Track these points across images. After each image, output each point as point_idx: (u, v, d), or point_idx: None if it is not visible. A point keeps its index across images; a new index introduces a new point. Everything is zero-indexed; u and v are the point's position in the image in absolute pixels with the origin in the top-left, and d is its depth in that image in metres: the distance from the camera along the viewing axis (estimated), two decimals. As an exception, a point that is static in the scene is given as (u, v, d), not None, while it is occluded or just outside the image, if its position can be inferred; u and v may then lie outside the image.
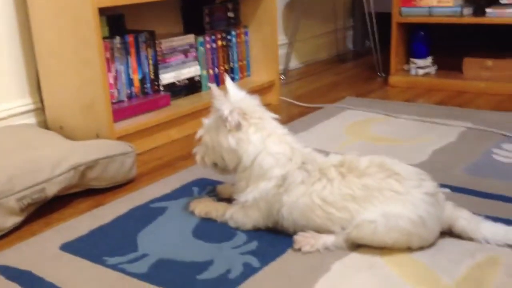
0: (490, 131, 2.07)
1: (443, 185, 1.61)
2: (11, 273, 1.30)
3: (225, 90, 1.44)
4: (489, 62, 2.72)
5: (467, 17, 2.66)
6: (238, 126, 1.37)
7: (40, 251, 1.39)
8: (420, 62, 2.86)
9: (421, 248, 1.29)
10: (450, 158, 1.85)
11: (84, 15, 1.83)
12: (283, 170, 1.36)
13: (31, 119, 2.14)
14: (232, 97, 1.42)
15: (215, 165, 1.47)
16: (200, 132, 1.46)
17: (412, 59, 2.89)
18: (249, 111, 1.40)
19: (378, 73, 3.07)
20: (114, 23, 2.10)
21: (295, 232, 1.36)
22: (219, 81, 2.50)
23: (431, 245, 1.31)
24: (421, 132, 2.12)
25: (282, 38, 3.27)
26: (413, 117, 2.28)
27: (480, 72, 2.74)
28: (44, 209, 1.61)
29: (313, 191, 1.32)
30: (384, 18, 2.96)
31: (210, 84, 1.44)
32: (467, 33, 3.11)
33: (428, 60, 2.87)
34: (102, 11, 1.95)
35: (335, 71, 3.29)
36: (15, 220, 1.49)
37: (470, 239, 1.31)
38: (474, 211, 1.38)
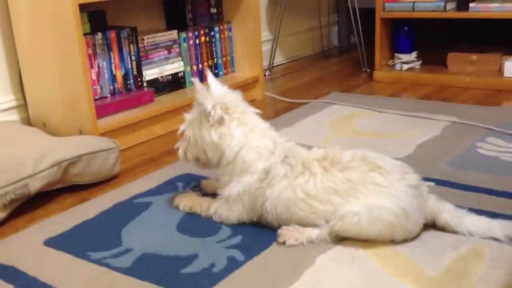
0: (474, 125, 2.08)
1: (427, 179, 1.61)
2: (-6, 269, 1.29)
3: (207, 85, 1.43)
4: (473, 57, 2.74)
5: (451, 11, 2.68)
6: (221, 121, 1.37)
7: (24, 247, 1.38)
8: (405, 57, 2.88)
9: (404, 240, 1.30)
10: (435, 151, 1.86)
11: (65, 11, 1.82)
12: (266, 164, 1.36)
13: (14, 116, 2.12)
14: (215, 92, 1.41)
15: (197, 159, 1.46)
16: (182, 127, 1.46)
17: (396, 54, 2.90)
18: (231, 105, 1.40)
19: (363, 69, 3.08)
20: (95, 19, 2.09)
21: (279, 226, 1.36)
22: (202, 77, 2.49)
23: (414, 237, 1.31)
24: (406, 126, 2.13)
25: (266, 34, 3.27)
26: (397, 112, 2.29)
27: (465, 67, 2.76)
28: (28, 205, 1.60)
29: (296, 185, 1.32)
30: (369, 14, 2.97)
31: (192, 79, 1.43)
32: (451, 28, 3.13)
33: (413, 55, 2.89)
34: (83, 8, 1.93)
35: (320, 67, 3.30)
36: (-2, 216, 1.48)
37: (454, 232, 1.32)
38: (458, 204, 1.39)
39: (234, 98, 1.43)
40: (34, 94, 2.06)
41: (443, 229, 1.33)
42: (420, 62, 2.90)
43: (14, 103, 2.12)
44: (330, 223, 1.29)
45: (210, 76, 1.47)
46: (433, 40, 3.18)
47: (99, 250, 1.35)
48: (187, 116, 1.45)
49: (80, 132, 1.94)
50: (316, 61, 3.46)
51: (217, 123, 1.37)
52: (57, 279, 1.24)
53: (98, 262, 1.29)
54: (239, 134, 1.38)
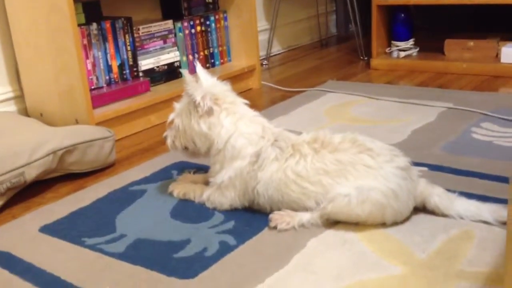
0: (470, 110, 2.09)
1: (420, 164, 1.63)
2: (-11, 255, 1.31)
3: (197, 76, 1.45)
4: (471, 43, 2.74)
5: (447, -3, 2.67)
6: (210, 111, 1.39)
7: (20, 234, 1.41)
8: (402, 44, 2.88)
9: (395, 223, 1.31)
10: (429, 137, 1.87)
11: (59, 2, 1.83)
12: (256, 147, 1.38)
13: (11, 107, 2.14)
14: (204, 83, 1.43)
15: (185, 148, 1.48)
16: (171, 116, 1.47)
17: (393, 42, 2.90)
18: (220, 96, 1.42)
19: (361, 57, 3.08)
20: (90, 10, 2.10)
21: (271, 211, 1.37)
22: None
23: (405, 221, 1.33)
24: (401, 113, 2.14)
25: (263, 24, 3.28)
26: (393, 99, 2.29)
27: (462, 53, 2.75)
28: (25, 194, 1.62)
29: (287, 167, 1.34)
30: (367, 2, 2.96)
31: (182, 70, 1.45)
32: (448, 15, 3.13)
33: (410, 43, 2.89)
34: (78, -2, 1.94)
35: (317, 56, 3.30)
36: (-6, 205, 1.50)
37: (444, 215, 1.33)
38: (450, 188, 1.40)
39: (223, 89, 1.45)
40: (30, 85, 2.07)
41: (433, 212, 1.35)
42: (417, 49, 2.90)
43: (11, 94, 2.14)
44: (321, 205, 1.30)
45: (199, 67, 1.48)
46: (430, 27, 3.18)
47: (94, 236, 1.37)
48: (176, 105, 1.47)
49: (77, 122, 1.95)
50: (313, 50, 3.46)
51: (206, 114, 1.39)
52: (52, 264, 1.25)
53: (92, 247, 1.31)
54: (228, 123, 1.40)
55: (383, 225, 1.31)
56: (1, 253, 1.31)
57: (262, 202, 1.39)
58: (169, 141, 1.49)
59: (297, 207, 1.35)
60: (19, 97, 2.15)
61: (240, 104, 1.45)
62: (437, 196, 1.33)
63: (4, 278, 1.21)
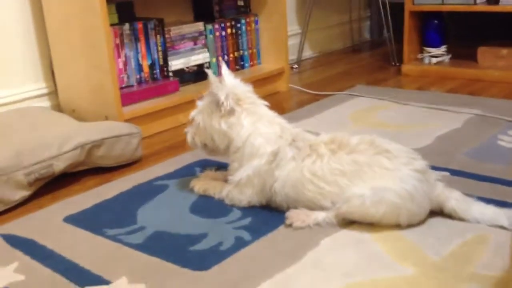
0: (497, 117, 2.06)
1: (443, 169, 1.63)
2: (15, 241, 1.37)
3: (222, 77, 1.49)
4: (504, 51, 2.70)
5: (481, 5, 2.65)
6: (231, 111, 1.43)
7: (45, 223, 1.46)
8: (434, 51, 2.86)
9: (410, 225, 1.31)
10: (453, 143, 1.86)
11: (92, 2, 1.89)
12: (274, 146, 1.41)
13: (45, 103, 2.22)
14: (227, 83, 1.47)
15: (205, 145, 1.52)
16: (193, 113, 1.51)
17: (425, 48, 2.89)
18: (242, 97, 1.46)
19: (392, 63, 3.08)
20: (124, 10, 2.17)
21: (288, 209, 1.39)
22: (229, 68, 2.54)
23: (421, 223, 1.33)
24: (427, 118, 2.13)
25: (296, 28, 3.30)
26: (421, 105, 2.28)
27: (495, 61, 2.72)
28: (53, 185, 1.68)
29: (304, 166, 1.36)
30: (401, 8, 2.95)
31: (206, 70, 1.49)
32: (482, 22, 3.09)
33: (442, 49, 2.87)
34: (112, -1, 2.01)
35: (348, 61, 3.30)
36: (23, 194, 1.56)
37: (461, 219, 1.33)
38: (470, 193, 1.39)
39: (245, 90, 1.48)
40: (64, 82, 2.15)
41: (450, 216, 1.34)
42: (450, 56, 2.88)
43: (45, 90, 2.22)
44: (337, 205, 1.31)
45: (224, 67, 1.52)
46: (464, 35, 3.15)
47: (115, 227, 1.41)
48: (199, 103, 1.51)
49: (106, 118, 2.01)
50: (345, 55, 3.47)
51: (227, 113, 1.43)
52: (72, 252, 1.30)
53: (113, 238, 1.36)
54: (247, 123, 1.44)
55: (398, 226, 1.31)
56: (25, 240, 1.37)
57: (279, 200, 1.41)
58: (189, 137, 1.53)
59: (313, 206, 1.36)
60: (53, 93, 2.23)
61: (260, 105, 1.49)
62: (454, 200, 1.33)
63: (27, 264, 1.26)
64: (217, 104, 1.43)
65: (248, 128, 1.43)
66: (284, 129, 1.44)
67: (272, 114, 1.48)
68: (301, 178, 1.36)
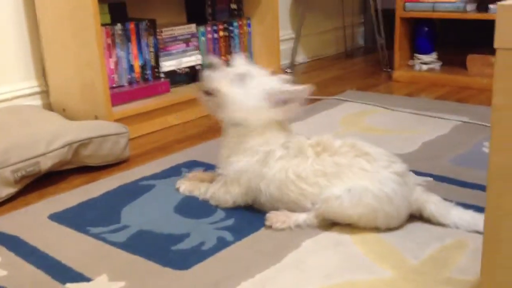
0: (484, 125, 2.08)
1: (427, 174, 1.65)
2: (0, 237, 1.38)
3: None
4: (492, 59, 2.71)
5: (471, 12, 2.67)
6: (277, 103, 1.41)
7: (30, 220, 1.47)
8: (424, 57, 2.88)
9: (390, 229, 1.33)
10: (439, 149, 1.87)
11: (84, 2, 1.91)
12: (267, 148, 1.41)
13: (37, 101, 2.23)
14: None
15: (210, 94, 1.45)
16: (242, 69, 1.45)
17: (416, 55, 2.91)
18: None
19: (384, 68, 3.10)
20: (116, 10, 2.18)
21: (272, 210, 1.41)
22: (221, 71, 2.56)
23: (400, 227, 1.34)
24: (415, 124, 2.15)
25: (289, 33, 3.32)
26: (410, 110, 2.31)
27: (483, 69, 2.74)
28: (40, 183, 1.69)
29: (289, 167, 1.38)
30: (394, 15, 2.98)
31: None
32: (473, 29, 3.11)
33: (433, 56, 2.89)
34: (104, -1, 2.03)
35: (341, 66, 3.32)
36: (10, 191, 1.57)
37: (439, 224, 1.34)
38: (453, 199, 1.41)
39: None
40: (55, 81, 2.16)
41: (429, 220, 1.36)
42: (440, 63, 2.90)
43: (37, 89, 2.23)
44: (316, 206, 1.33)
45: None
46: (455, 42, 3.17)
47: (99, 225, 1.42)
48: (214, 75, 1.44)
49: (96, 118, 2.03)
50: (338, 61, 3.49)
51: (275, 105, 1.40)
52: (55, 249, 1.32)
53: (96, 236, 1.37)
54: (266, 117, 1.42)
55: (378, 229, 1.33)
56: (10, 236, 1.38)
57: (264, 200, 1.42)
58: (216, 75, 1.44)
59: (295, 208, 1.38)
60: (45, 92, 2.24)
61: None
62: (433, 204, 1.35)
63: (10, 260, 1.28)
64: (267, 93, 1.40)
65: (265, 121, 1.42)
66: (282, 131, 1.45)
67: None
68: (285, 179, 1.37)
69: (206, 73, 1.46)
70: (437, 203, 1.35)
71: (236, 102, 1.42)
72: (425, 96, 2.58)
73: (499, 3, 0.81)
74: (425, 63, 2.88)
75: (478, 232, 1.30)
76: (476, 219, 1.32)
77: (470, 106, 2.36)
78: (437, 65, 2.89)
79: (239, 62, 1.44)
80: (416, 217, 1.37)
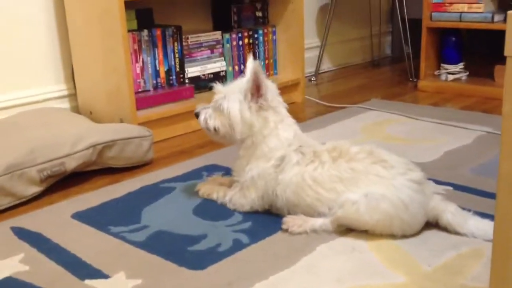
0: (508, 136, 2.06)
1: (446, 183, 1.64)
2: (23, 233, 1.43)
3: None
4: (521, 70, 2.69)
5: (498, 23, 2.65)
6: (267, 106, 1.44)
7: (53, 218, 1.52)
8: (451, 67, 2.87)
9: (406, 236, 1.33)
10: (461, 158, 1.87)
11: (111, 8, 1.97)
12: (283, 152, 1.44)
13: (65, 104, 2.29)
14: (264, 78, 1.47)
15: (216, 130, 1.49)
16: (216, 97, 1.49)
17: (442, 65, 2.89)
18: (274, 94, 1.48)
19: (410, 78, 3.09)
20: (143, 17, 2.24)
21: (288, 214, 1.42)
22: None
23: (416, 234, 1.34)
24: (438, 134, 2.14)
25: (315, 41, 3.34)
26: (433, 120, 2.30)
27: None
28: (65, 183, 1.75)
29: (306, 172, 1.39)
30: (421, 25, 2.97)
31: (252, 61, 1.45)
32: (500, 40, 3.08)
33: (459, 66, 2.87)
34: (132, 5, 2.07)
35: (367, 75, 3.32)
36: (35, 189, 1.63)
37: (456, 232, 1.34)
38: (472, 208, 1.40)
39: (273, 88, 1.50)
40: (83, 85, 2.22)
41: (446, 229, 1.35)
42: (467, 73, 2.88)
43: (65, 92, 2.29)
44: (332, 211, 1.34)
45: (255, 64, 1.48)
46: (482, 52, 3.14)
47: (119, 225, 1.46)
48: (221, 88, 1.49)
49: (121, 121, 2.08)
50: (364, 70, 3.49)
51: (262, 107, 1.44)
52: (76, 246, 1.35)
53: (116, 235, 1.41)
54: (272, 122, 1.45)
55: (393, 236, 1.33)
56: (33, 233, 1.43)
57: (280, 205, 1.44)
58: (202, 118, 1.51)
59: (311, 212, 1.39)
60: (73, 95, 2.30)
61: (283, 107, 1.51)
62: (450, 213, 1.34)
63: (31, 255, 1.32)
64: (254, 93, 1.43)
65: (272, 127, 1.45)
66: (296, 135, 1.47)
67: (291, 119, 1.51)
68: (302, 183, 1.39)
69: (199, 118, 1.52)
70: (454, 212, 1.35)
71: (233, 121, 1.45)
72: (451, 106, 2.57)
73: (509, 12, 0.81)
74: (452, 73, 2.86)
75: (494, 241, 1.30)
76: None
77: (495, 116, 2.34)
78: (463, 76, 2.87)
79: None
80: (433, 225, 1.37)
